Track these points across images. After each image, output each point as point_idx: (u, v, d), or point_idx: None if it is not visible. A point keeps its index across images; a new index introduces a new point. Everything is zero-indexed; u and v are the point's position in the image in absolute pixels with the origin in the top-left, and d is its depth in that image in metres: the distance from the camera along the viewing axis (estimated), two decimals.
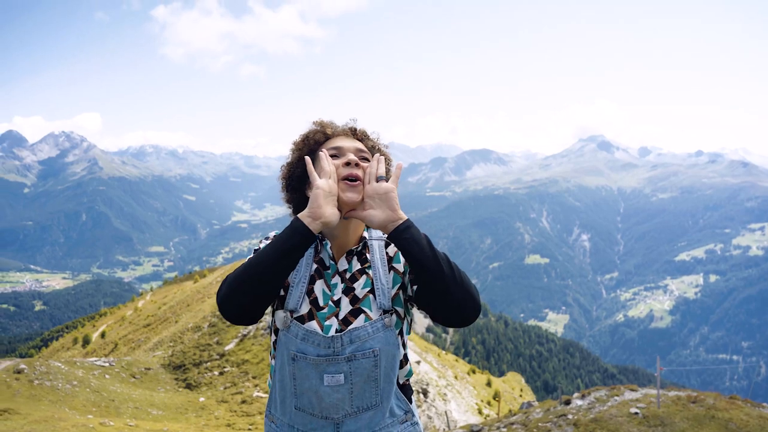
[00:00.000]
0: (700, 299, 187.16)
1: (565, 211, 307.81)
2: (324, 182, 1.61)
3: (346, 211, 1.69)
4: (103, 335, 37.22)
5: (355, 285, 1.71)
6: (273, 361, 1.73)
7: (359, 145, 1.81)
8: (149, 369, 20.03)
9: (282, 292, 1.70)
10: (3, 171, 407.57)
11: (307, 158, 1.69)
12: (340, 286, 1.71)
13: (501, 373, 64.53)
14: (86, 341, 36.89)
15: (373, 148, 1.87)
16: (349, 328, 1.64)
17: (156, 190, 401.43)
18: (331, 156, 1.75)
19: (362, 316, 1.66)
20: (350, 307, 1.67)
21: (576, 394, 10.36)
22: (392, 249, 1.79)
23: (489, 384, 41.40)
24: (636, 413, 9.20)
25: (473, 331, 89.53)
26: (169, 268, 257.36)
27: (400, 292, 1.73)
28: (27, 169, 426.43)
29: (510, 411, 14.80)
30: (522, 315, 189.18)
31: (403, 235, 1.57)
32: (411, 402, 1.79)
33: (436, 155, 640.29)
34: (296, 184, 1.84)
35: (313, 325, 1.64)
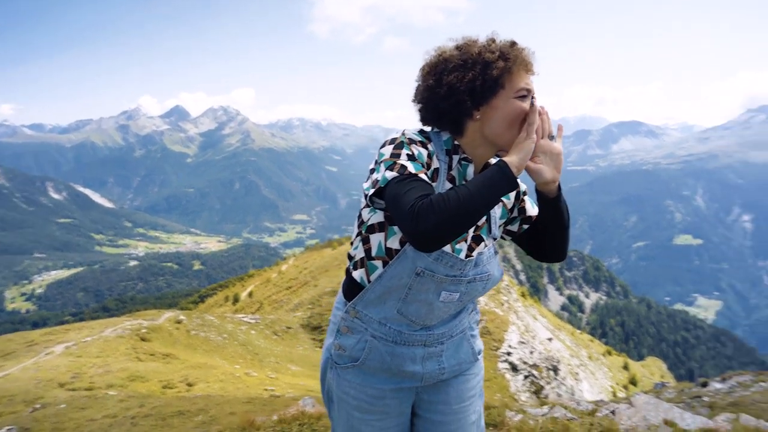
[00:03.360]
0: None
1: (725, 189, 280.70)
2: (535, 138, 1.57)
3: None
4: (250, 295, 40.01)
5: None
6: (375, 263, 1.69)
7: (533, 86, 1.66)
8: (290, 328, 21.47)
9: None
10: (170, 143, 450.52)
11: (538, 107, 1.59)
12: None
13: (640, 358, 61.08)
14: (236, 299, 39.76)
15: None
16: (475, 252, 1.70)
17: (301, 161, 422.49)
18: (521, 97, 1.62)
19: (482, 242, 1.72)
20: (473, 233, 1.70)
21: (716, 378, 9.70)
22: None
23: (626, 367, 39.47)
24: None
25: (612, 312, 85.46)
26: (311, 235, 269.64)
27: (503, 224, 1.86)
28: (190, 141, 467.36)
29: (642, 391, 14.17)
30: (667, 299, 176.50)
31: (560, 198, 1.66)
32: None
33: (580, 128, 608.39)
34: (472, 97, 1.61)
35: (446, 247, 1.62)
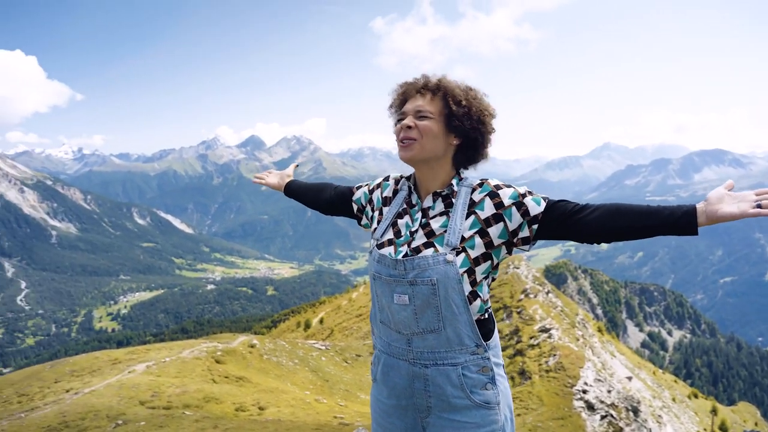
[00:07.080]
0: None
1: None
2: None
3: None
4: (321, 321, 40.33)
5: (432, 222, 1.85)
6: None
7: (420, 103, 1.85)
8: (359, 356, 21.45)
9: (375, 225, 2.02)
10: (246, 171, 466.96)
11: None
12: (420, 220, 1.88)
13: (730, 402, 57.23)
14: (307, 325, 40.10)
15: (453, 95, 1.84)
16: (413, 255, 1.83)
17: None
18: (398, 120, 1.90)
19: (431, 249, 1.80)
20: (424, 240, 1.83)
21: None
22: (477, 195, 1.84)
23: (714, 412, 36.98)
24: None
25: (698, 352, 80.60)
26: None
27: (477, 235, 1.78)
28: (265, 170, 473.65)
29: None
30: (760, 339, 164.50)
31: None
32: (488, 338, 1.87)
33: (658, 156, 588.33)
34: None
35: (390, 250, 1.88)
